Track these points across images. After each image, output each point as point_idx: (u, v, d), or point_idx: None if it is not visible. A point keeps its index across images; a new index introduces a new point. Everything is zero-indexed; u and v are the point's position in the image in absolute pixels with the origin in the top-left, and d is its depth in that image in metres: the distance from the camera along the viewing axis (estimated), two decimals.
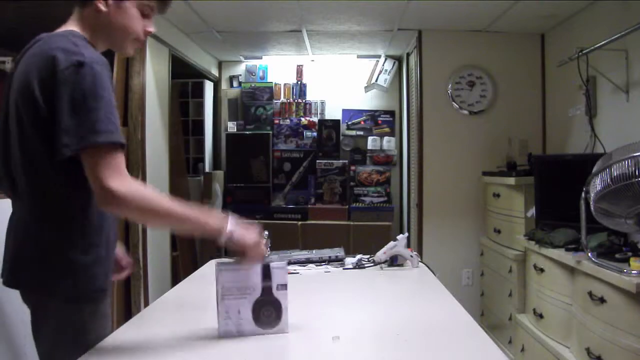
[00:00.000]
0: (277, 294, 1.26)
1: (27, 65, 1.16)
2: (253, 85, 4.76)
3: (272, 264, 1.27)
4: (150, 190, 1.14)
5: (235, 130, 4.76)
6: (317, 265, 2.03)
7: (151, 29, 1.32)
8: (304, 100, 4.75)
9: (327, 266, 2.04)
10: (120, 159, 1.12)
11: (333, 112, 4.74)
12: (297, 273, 1.95)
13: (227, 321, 1.25)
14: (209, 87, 4.88)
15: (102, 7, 1.22)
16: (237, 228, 1.22)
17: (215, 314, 1.26)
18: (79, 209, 1.18)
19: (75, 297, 1.18)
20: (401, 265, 2.02)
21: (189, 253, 4.29)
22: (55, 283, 1.17)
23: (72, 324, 1.19)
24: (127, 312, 2.93)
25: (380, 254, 2.01)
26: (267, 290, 1.25)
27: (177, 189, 3.90)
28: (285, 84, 4.77)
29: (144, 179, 3.01)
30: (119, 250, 1.44)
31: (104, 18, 1.23)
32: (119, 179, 1.09)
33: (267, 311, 1.26)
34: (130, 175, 1.13)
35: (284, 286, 1.26)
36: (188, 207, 1.18)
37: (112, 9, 1.23)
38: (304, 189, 4.66)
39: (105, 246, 1.24)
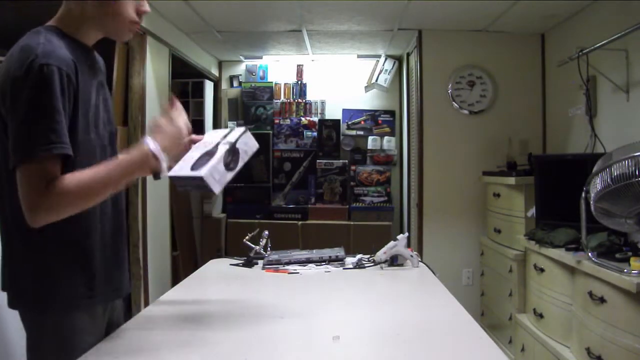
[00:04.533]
0: (219, 147, 1.28)
1: (2, 66, 1.13)
2: (253, 85, 4.76)
3: (236, 128, 1.34)
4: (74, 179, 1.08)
5: None
6: (317, 265, 2.03)
7: (145, 8, 1.26)
8: (304, 100, 4.75)
9: (327, 266, 2.04)
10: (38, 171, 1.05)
11: (333, 112, 4.74)
12: (297, 273, 1.95)
13: (181, 163, 1.28)
14: (209, 87, 4.88)
15: None
16: (162, 146, 1.18)
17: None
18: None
19: (35, 305, 1.17)
20: (401, 265, 2.02)
21: (189, 253, 4.29)
22: (18, 289, 1.17)
23: (36, 331, 1.17)
24: (127, 312, 2.93)
25: (381, 254, 2.01)
26: (217, 145, 1.30)
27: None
28: (285, 84, 4.76)
29: (144, 178, 3.01)
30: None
31: (94, 6, 1.18)
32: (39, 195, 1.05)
33: (204, 159, 1.26)
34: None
35: (228, 142, 1.28)
36: (114, 165, 1.13)
37: None
38: (304, 189, 4.66)
39: (78, 256, 1.19)
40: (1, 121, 1.11)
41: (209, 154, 1.26)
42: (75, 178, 1.08)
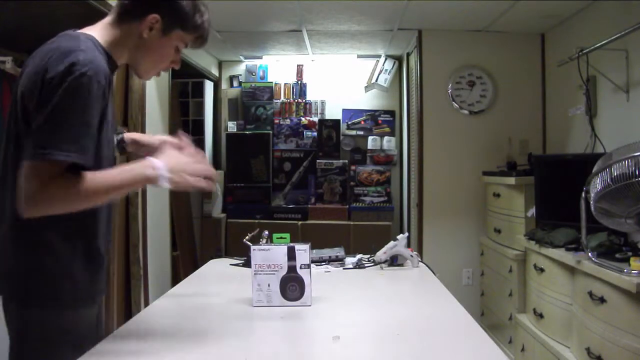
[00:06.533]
0: (300, 272, 1.47)
1: (32, 62, 1.13)
2: (253, 85, 4.76)
3: (296, 246, 1.48)
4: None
5: (236, 130, 4.76)
6: (317, 265, 2.03)
7: (177, 65, 1.34)
8: (304, 100, 4.75)
9: (327, 266, 2.04)
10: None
11: (333, 112, 4.74)
12: None
13: (259, 293, 1.48)
14: (209, 87, 4.88)
15: (145, 34, 1.21)
16: (170, 170, 1.14)
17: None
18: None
19: (46, 304, 1.16)
20: (401, 265, 2.02)
21: (189, 253, 4.29)
22: (28, 289, 1.17)
23: (49, 330, 1.16)
24: (127, 312, 2.93)
25: (381, 254, 2.01)
26: (292, 269, 1.48)
27: None
28: (285, 84, 4.76)
29: None
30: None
31: (141, 42, 1.23)
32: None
33: (292, 286, 1.48)
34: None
35: (306, 265, 1.48)
36: (117, 173, 1.13)
37: (154, 38, 1.22)
38: (304, 189, 4.66)
39: (79, 255, 1.20)
40: (24, 117, 1.11)
41: (294, 280, 1.47)
42: (82, 178, 1.07)
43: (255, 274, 1.48)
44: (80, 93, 1.06)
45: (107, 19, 1.24)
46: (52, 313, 1.17)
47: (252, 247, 1.51)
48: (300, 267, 1.47)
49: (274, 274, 1.48)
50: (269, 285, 1.47)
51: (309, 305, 1.46)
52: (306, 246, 1.49)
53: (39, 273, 1.16)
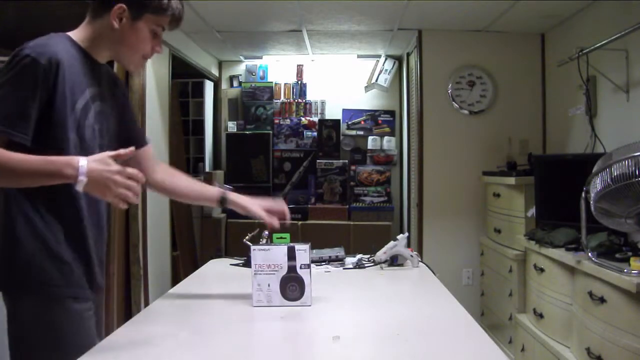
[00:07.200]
0: (300, 272, 1.47)
1: None
2: (253, 85, 4.76)
3: (296, 246, 1.47)
4: None
5: (236, 130, 4.76)
6: (317, 265, 2.03)
7: (159, 49, 1.35)
8: (304, 100, 4.75)
9: (327, 266, 2.04)
10: None
11: (333, 112, 4.74)
12: None
13: (259, 292, 1.47)
14: (209, 86, 4.89)
15: (115, 24, 1.25)
16: (89, 176, 1.11)
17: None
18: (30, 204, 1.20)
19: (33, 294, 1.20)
20: (401, 265, 2.02)
21: (189, 253, 4.29)
22: (14, 279, 1.21)
23: (39, 322, 1.20)
24: (127, 312, 2.93)
25: (380, 254, 2.01)
26: (292, 269, 1.47)
27: None
28: (285, 84, 4.77)
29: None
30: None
31: (115, 34, 1.27)
32: None
33: (292, 286, 1.47)
34: None
35: (306, 265, 1.47)
36: (37, 161, 1.12)
37: (125, 27, 1.26)
38: (304, 189, 4.66)
39: (71, 245, 1.24)
40: None
41: (294, 280, 1.47)
42: None
43: (255, 274, 1.48)
44: (21, 72, 1.13)
45: (85, 21, 1.31)
46: (37, 304, 1.20)
47: (252, 247, 1.50)
48: (300, 267, 1.47)
49: (274, 274, 1.47)
50: (269, 285, 1.47)
51: (309, 305, 1.46)
52: (306, 246, 1.48)
53: (21, 261, 1.19)
